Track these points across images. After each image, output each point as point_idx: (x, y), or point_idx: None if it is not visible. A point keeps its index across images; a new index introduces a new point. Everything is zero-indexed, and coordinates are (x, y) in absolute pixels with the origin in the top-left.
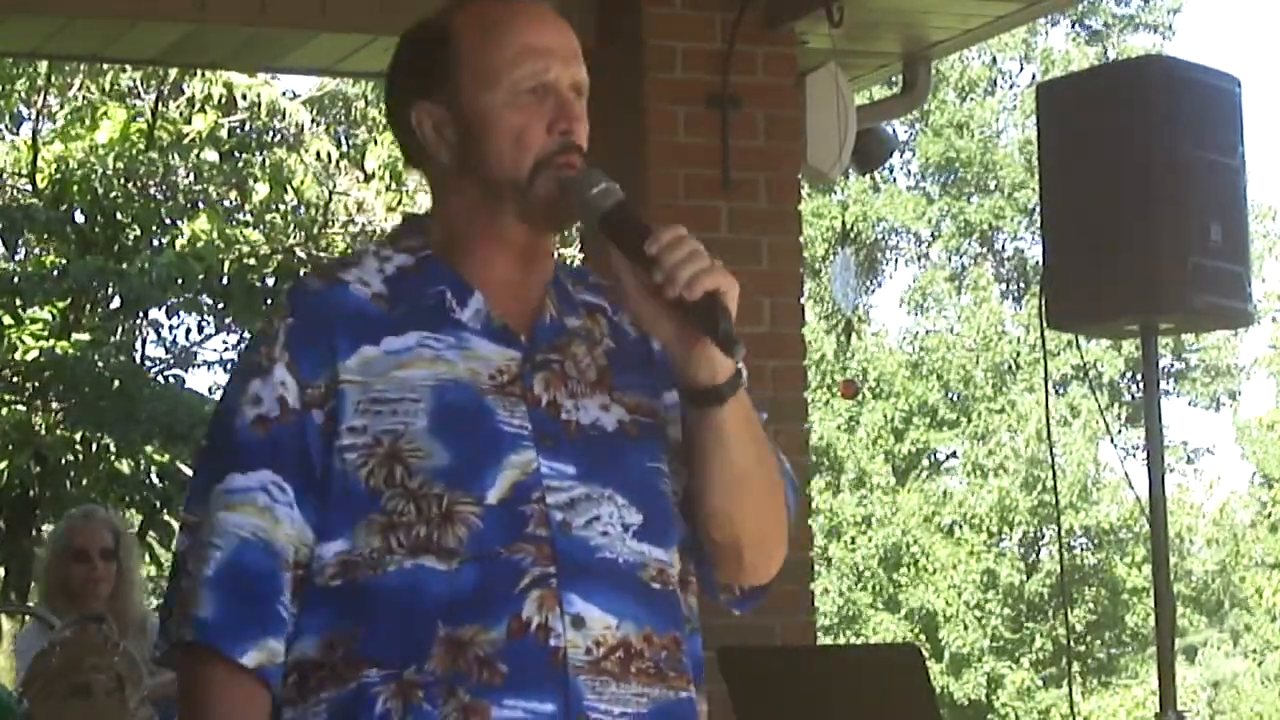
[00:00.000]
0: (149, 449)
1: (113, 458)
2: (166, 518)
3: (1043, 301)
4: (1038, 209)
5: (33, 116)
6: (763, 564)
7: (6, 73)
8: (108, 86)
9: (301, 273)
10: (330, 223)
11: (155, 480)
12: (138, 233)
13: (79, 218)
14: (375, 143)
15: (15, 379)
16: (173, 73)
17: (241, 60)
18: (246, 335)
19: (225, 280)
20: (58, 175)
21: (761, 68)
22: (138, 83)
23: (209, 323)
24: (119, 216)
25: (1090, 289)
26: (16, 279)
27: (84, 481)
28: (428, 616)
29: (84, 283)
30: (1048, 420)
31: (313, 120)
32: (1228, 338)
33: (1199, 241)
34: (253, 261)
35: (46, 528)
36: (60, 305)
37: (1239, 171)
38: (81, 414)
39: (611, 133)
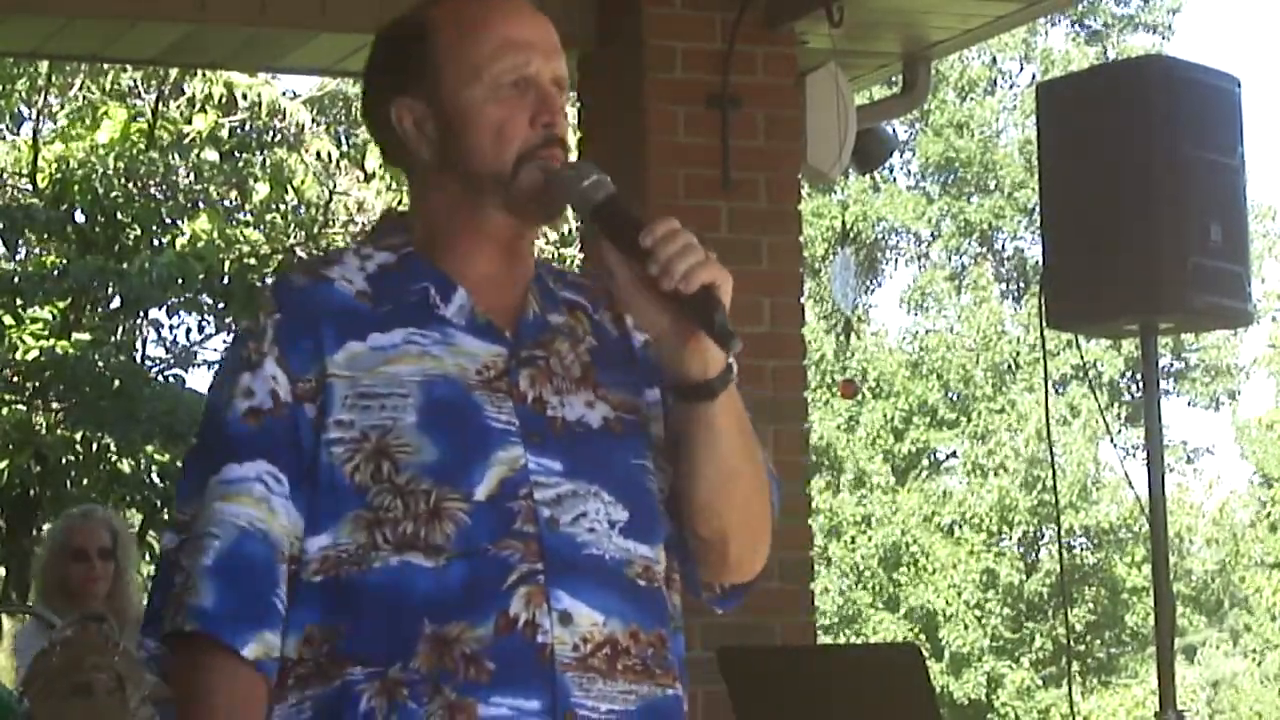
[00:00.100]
0: (149, 449)
1: (113, 457)
2: (167, 517)
3: (1042, 301)
4: (1038, 209)
5: (33, 116)
6: (748, 561)
7: (7, 72)
8: (108, 86)
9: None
10: (330, 223)
11: (156, 480)
12: (138, 232)
13: (79, 217)
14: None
15: (16, 379)
16: (173, 73)
17: (241, 60)
18: None
19: (226, 280)
20: (58, 175)
21: (761, 68)
22: (138, 83)
23: (209, 322)
24: (119, 216)
25: (1090, 289)
26: (17, 279)
27: (84, 481)
28: (414, 614)
29: (84, 282)
30: (1047, 420)
31: (313, 120)
32: (1227, 337)
33: (1199, 241)
34: (253, 261)
35: (47, 527)
36: (61, 305)
37: (1238, 171)
38: (82, 414)
39: (611, 133)
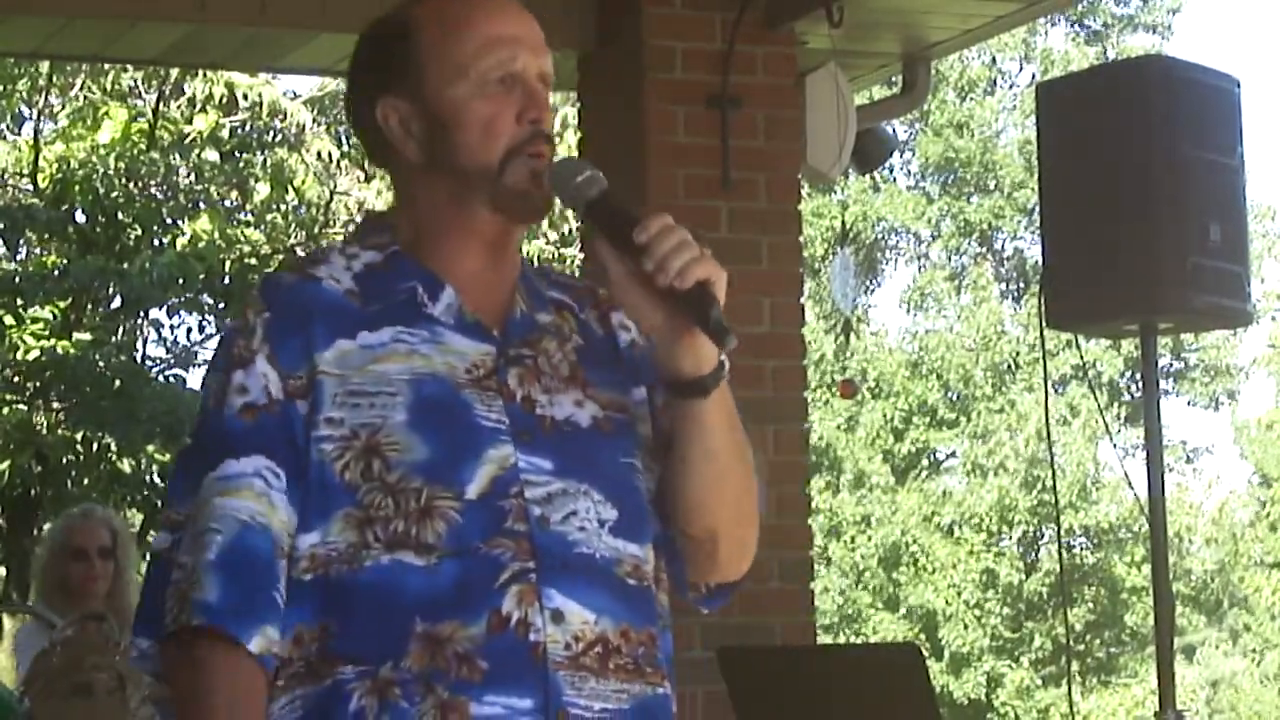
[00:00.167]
0: (150, 448)
1: (114, 457)
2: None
3: (1042, 301)
4: (1037, 209)
5: (34, 116)
6: (735, 560)
7: (8, 73)
8: (109, 86)
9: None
10: (331, 222)
11: (156, 480)
12: (139, 232)
13: (80, 217)
14: None
15: (16, 379)
16: (174, 73)
17: (242, 60)
18: None
19: (226, 280)
20: (59, 175)
21: (761, 68)
22: (139, 83)
23: (210, 322)
24: (120, 216)
25: (1090, 289)
26: (18, 279)
27: (85, 481)
28: (405, 612)
29: (85, 282)
30: (1047, 420)
31: (314, 120)
32: (1227, 337)
33: (1198, 241)
34: (254, 261)
35: (47, 527)
36: (61, 305)
37: (1238, 171)
38: (82, 414)
39: (611, 133)
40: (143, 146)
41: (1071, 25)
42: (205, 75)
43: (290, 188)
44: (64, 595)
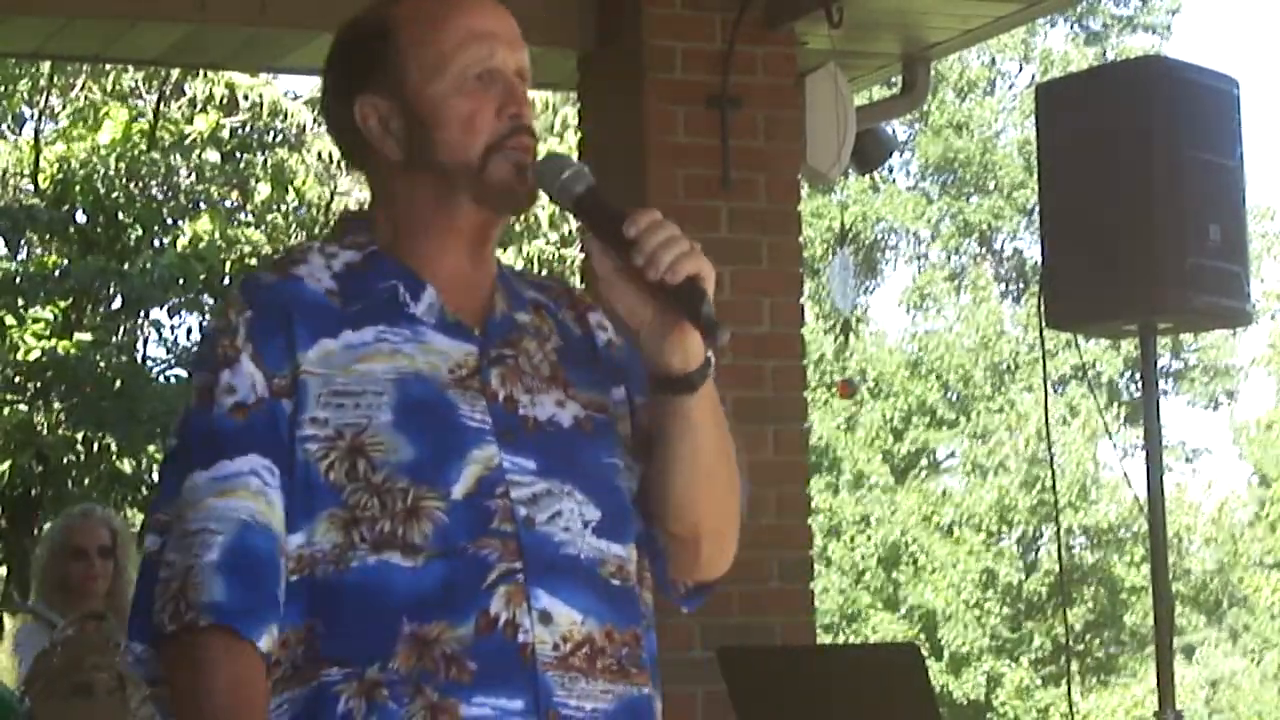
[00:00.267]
0: (150, 448)
1: (114, 457)
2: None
3: (1042, 301)
4: (1037, 209)
5: (35, 117)
6: (718, 558)
7: (9, 73)
8: (110, 87)
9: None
10: (332, 223)
11: (157, 480)
12: (139, 233)
13: (81, 218)
14: None
15: (17, 379)
16: (174, 73)
17: (242, 60)
18: None
19: (227, 280)
20: (60, 175)
21: (761, 68)
22: (139, 83)
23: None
24: (121, 217)
25: (1089, 289)
26: (19, 279)
27: (85, 481)
28: (392, 613)
29: (86, 283)
30: (1046, 420)
31: (314, 120)
32: (1226, 337)
33: (1197, 242)
34: (254, 262)
35: (46, 526)
36: (62, 305)
37: (1237, 172)
38: (83, 414)
39: (611, 133)
40: (143, 147)
41: (1071, 26)
42: (205, 75)
43: (291, 188)
44: (64, 594)
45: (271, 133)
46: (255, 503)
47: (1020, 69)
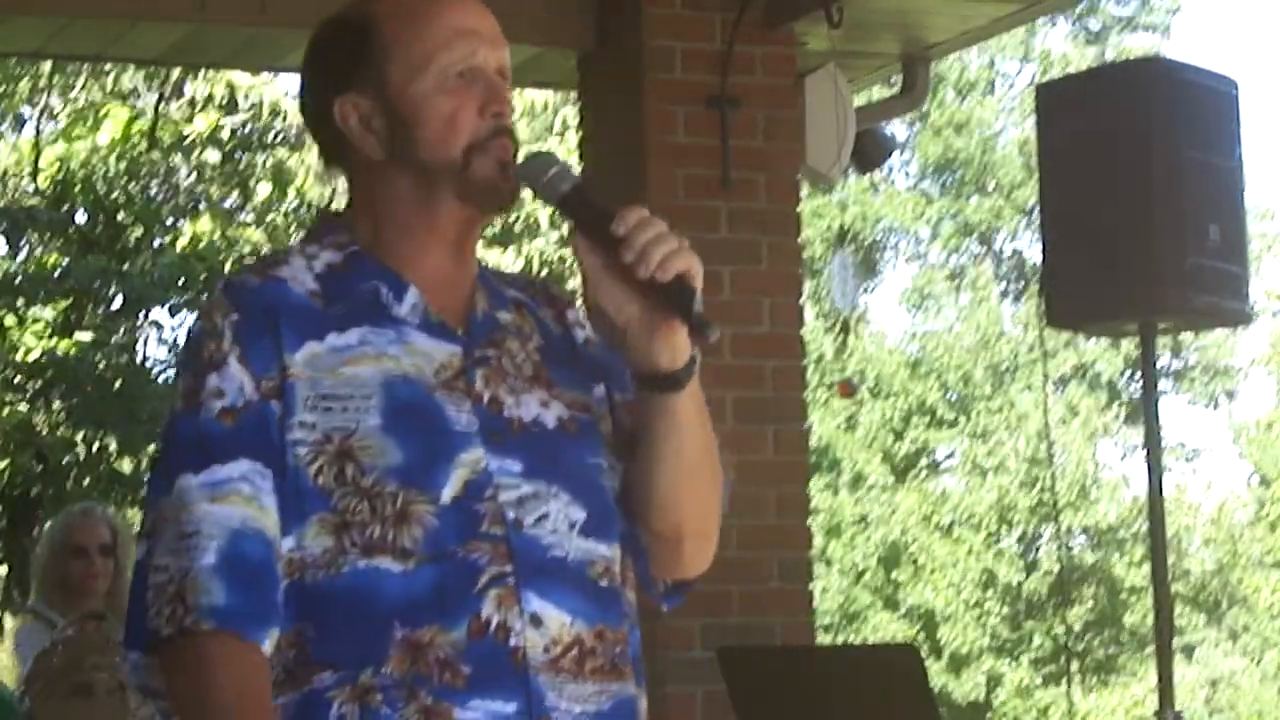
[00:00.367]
0: (150, 448)
1: (114, 457)
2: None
3: (1042, 301)
4: (1037, 209)
5: (35, 117)
6: (700, 556)
7: (9, 73)
8: (110, 87)
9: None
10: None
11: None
12: (139, 233)
13: (81, 218)
14: None
15: (17, 379)
16: (174, 73)
17: (242, 60)
18: None
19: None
20: (60, 175)
21: (761, 68)
22: (139, 83)
23: None
24: (121, 216)
25: (1089, 289)
26: (19, 279)
27: (85, 481)
28: (384, 618)
29: (86, 283)
30: (1046, 420)
31: None
32: (1226, 337)
33: (1197, 242)
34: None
35: (47, 525)
36: (62, 305)
37: (1237, 172)
38: (83, 413)
39: (611, 133)
40: (143, 147)
41: (1071, 25)
42: (205, 75)
43: (291, 188)
44: (64, 593)
45: (271, 133)
46: (247, 508)
47: (1020, 69)
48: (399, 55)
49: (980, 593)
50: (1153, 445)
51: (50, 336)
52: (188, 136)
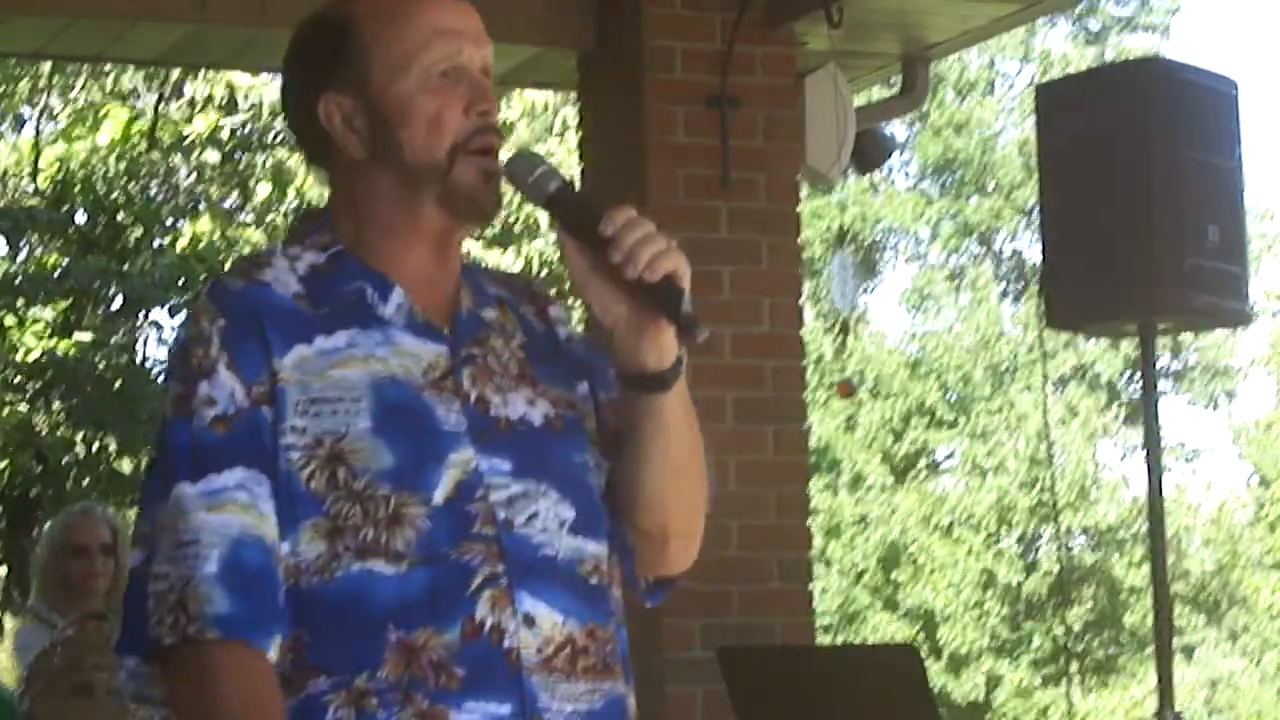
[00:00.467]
0: (150, 449)
1: (114, 457)
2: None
3: (1042, 301)
4: (1037, 209)
5: (35, 117)
6: (685, 554)
7: (9, 73)
8: (109, 87)
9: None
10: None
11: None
12: (139, 233)
13: (81, 218)
14: None
15: (17, 379)
16: (174, 73)
17: (242, 60)
18: None
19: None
20: (60, 176)
21: (761, 68)
22: (139, 83)
23: None
24: (121, 217)
25: (1089, 289)
26: (19, 279)
27: (85, 481)
28: (378, 622)
29: (86, 283)
30: (1046, 420)
31: None
32: (1226, 337)
33: (1197, 242)
34: None
35: (47, 525)
36: (62, 305)
37: (1236, 173)
38: (83, 414)
39: (611, 133)
40: (143, 147)
41: (1071, 25)
42: (205, 75)
43: (291, 188)
44: (64, 592)
45: (271, 133)
46: (246, 516)
47: (1020, 69)
48: (382, 54)
49: (980, 593)
50: (1152, 445)
51: (50, 337)
52: (187, 137)
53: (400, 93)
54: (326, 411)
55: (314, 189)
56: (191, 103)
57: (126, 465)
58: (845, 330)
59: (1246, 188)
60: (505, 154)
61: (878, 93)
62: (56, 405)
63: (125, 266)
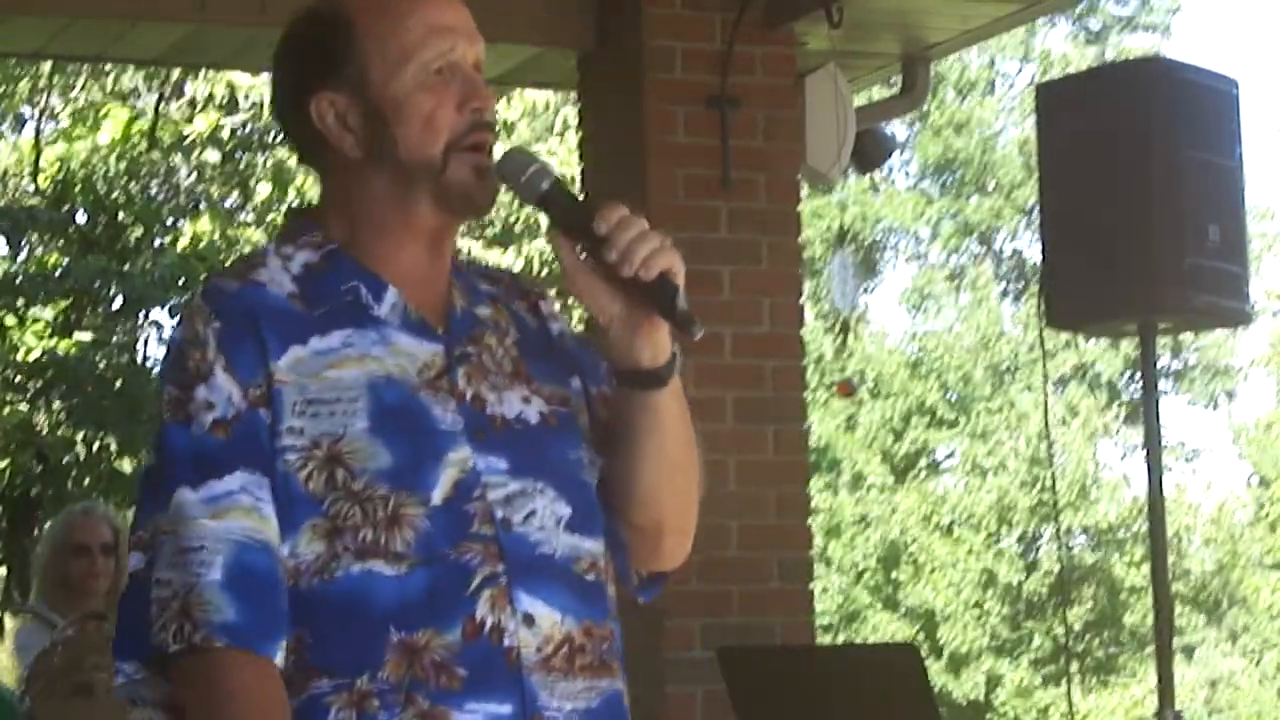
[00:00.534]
0: (148, 451)
1: (114, 457)
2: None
3: (1042, 301)
4: (1037, 209)
5: (35, 117)
6: (678, 550)
7: (9, 73)
8: (110, 87)
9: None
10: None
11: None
12: (140, 233)
13: (81, 218)
14: None
15: (18, 378)
16: (174, 73)
17: (242, 60)
18: None
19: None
20: (60, 175)
21: (761, 68)
22: (139, 83)
23: None
24: (121, 216)
25: (1089, 289)
26: (19, 279)
27: (86, 481)
28: (379, 623)
29: (86, 283)
30: (1046, 420)
31: None
32: (1226, 337)
33: (1197, 242)
34: None
35: (48, 524)
36: (62, 305)
37: (1236, 172)
38: (83, 413)
39: (611, 133)
40: (143, 147)
41: (1071, 25)
42: (205, 75)
43: (291, 188)
44: (65, 592)
45: (271, 133)
46: (248, 520)
47: (1020, 69)
48: (376, 52)
49: (980, 593)
50: (1153, 445)
51: (50, 336)
52: (188, 136)
53: (396, 90)
54: (324, 412)
55: (314, 188)
56: (192, 102)
57: (127, 465)
58: (845, 330)
59: (1246, 187)
60: (499, 151)
61: (878, 93)
62: (57, 405)
63: (126, 266)
